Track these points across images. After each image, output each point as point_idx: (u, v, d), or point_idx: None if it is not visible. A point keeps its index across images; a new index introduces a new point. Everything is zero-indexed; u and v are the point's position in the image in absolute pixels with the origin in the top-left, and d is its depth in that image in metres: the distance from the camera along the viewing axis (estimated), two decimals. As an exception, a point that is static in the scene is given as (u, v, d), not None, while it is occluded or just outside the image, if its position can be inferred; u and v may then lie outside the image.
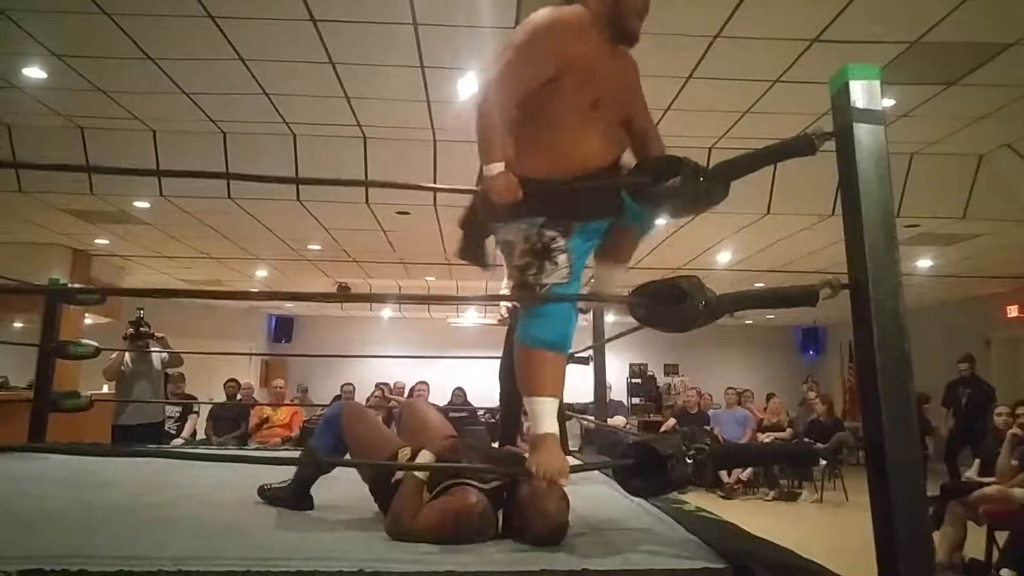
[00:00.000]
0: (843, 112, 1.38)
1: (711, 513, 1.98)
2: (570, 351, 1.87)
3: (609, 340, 3.57)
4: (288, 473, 2.15)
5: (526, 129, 1.76)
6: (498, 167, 1.71)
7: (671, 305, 1.50)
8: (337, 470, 2.16)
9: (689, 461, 1.44)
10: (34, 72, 4.58)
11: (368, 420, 2.13)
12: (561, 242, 1.75)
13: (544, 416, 1.71)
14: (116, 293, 9.72)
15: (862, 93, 1.37)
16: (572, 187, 1.74)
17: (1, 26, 3.93)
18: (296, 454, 3.66)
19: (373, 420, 2.18)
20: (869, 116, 1.35)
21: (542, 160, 1.76)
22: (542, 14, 1.74)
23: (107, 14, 3.81)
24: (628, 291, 1.67)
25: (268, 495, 2.15)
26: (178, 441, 6.54)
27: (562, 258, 1.74)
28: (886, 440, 1.16)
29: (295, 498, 2.08)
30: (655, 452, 1.51)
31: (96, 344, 3.53)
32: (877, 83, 1.38)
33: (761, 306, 1.58)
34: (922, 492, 1.20)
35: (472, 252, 2.08)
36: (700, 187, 1.61)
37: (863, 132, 1.34)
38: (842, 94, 1.39)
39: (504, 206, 1.73)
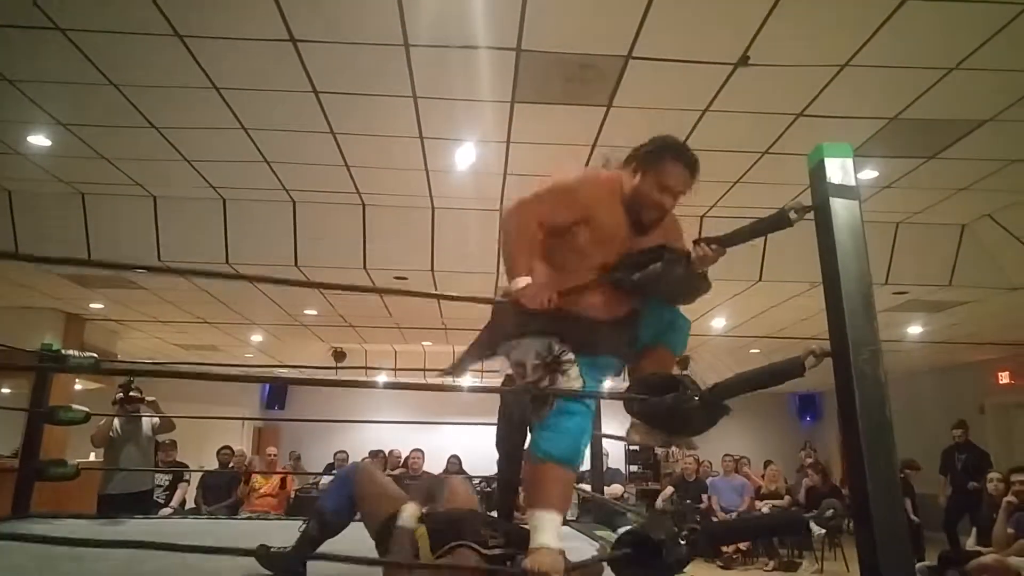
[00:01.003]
0: (820, 187, 1.45)
1: (707, 583, 1.95)
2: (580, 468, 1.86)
3: (607, 436, 3.56)
4: (284, 536, 2.12)
5: (543, 265, 1.90)
6: (525, 280, 1.80)
7: (662, 394, 1.53)
8: (340, 540, 2.12)
9: (682, 543, 1.44)
10: (38, 140, 4.69)
11: (380, 480, 2.13)
12: (571, 355, 1.80)
13: (544, 530, 1.68)
14: (112, 373, 9.64)
15: (837, 169, 1.44)
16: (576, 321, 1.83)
17: (9, 95, 4.05)
18: (287, 523, 3.60)
19: (385, 480, 2.17)
20: (845, 191, 1.42)
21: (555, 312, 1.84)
22: (584, 169, 1.96)
23: (114, 84, 3.95)
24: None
25: (264, 558, 2.09)
26: (166, 511, 6.36)
27: (573, 371, 1.79)
28: (871, 503, 1.18)
29: (291, 565, 2.03)
30: (649, 539, 1.51)
31: (87, 409, 3.49)
32: (850, 160, 1.45)
33: (753, 387, 1.60)
34: (908, 554, 1.20)
35: (461, 369, 2.19)
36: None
37: (839, 206, 1.40)
38: (819, 170, 1.46)
39: (522, 319, 1.82)
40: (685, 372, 1.61)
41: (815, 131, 4.27)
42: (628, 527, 1.79)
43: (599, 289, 1.87)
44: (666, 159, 1.89)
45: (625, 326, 1.95)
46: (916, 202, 5.51)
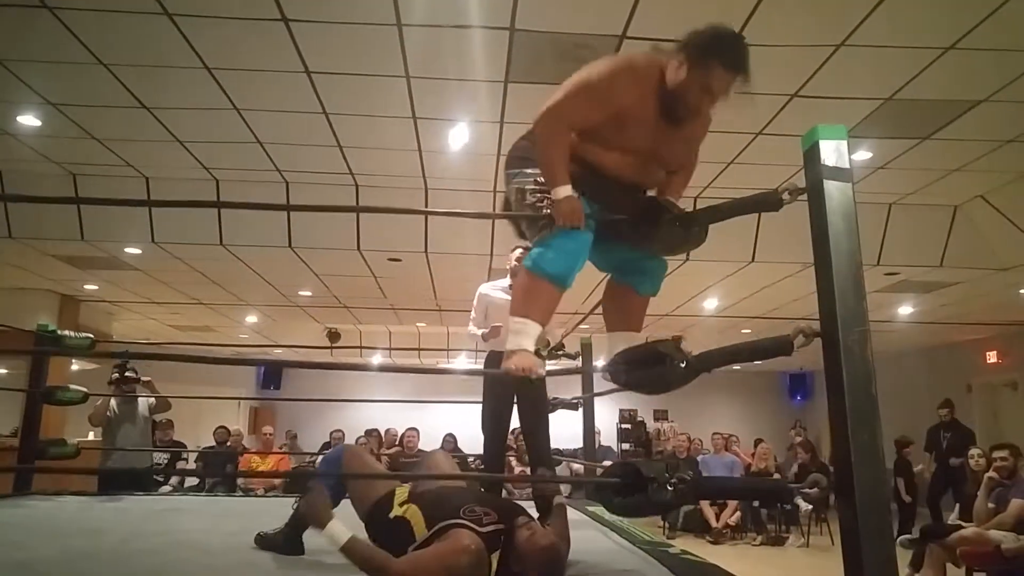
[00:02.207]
0: (814, 169, 1.46)
1: (695, 556, 2.00)
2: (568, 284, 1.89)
3: (599, 395, 3.61)
4: (279, 514, 2.15)
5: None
6: (564, 190, 1.78)
7: (650, 368, 1.57)
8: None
9: (670, 488, 1.48)
10: (28, 120, 4.65)
11: (368, 462, 2.16)
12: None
13: (526, 335, 1.79)
14: (106, 354, 9.64)
15: (831, 152, 1.46)
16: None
17: (-1, 75, 4.02)
18: (283, 500, 3.65)
19: (373, 462, 2.20)
20: (838, 173, 1.44)
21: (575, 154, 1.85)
22: (617, 58, 1.86)
23: (104, 64, 3.91)
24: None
25: (262, 541, 2.15)
26: (166, 488, 6.43)
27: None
28: (855, 477, 1.22)
29: (288, 542, 2.08)
30: (639, 473, 1.55)
31: (85, 390, 3.52)
32: (845, 142, 1.47)
33: (739, 360, 1.64)
34: (888, 527, 1.24)
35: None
36: (677, 232, 1.69)
37: (833, 188, 1.42)
38: (813, 152, 1.48)
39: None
40: (670, 341, 1.62)
41: (809, 112, 4.27)
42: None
43: (628, 161, 1.86)
44: (716, 63, 1.76)
45: (634, 191, 1.95)
46: (909, 183, 5.54)
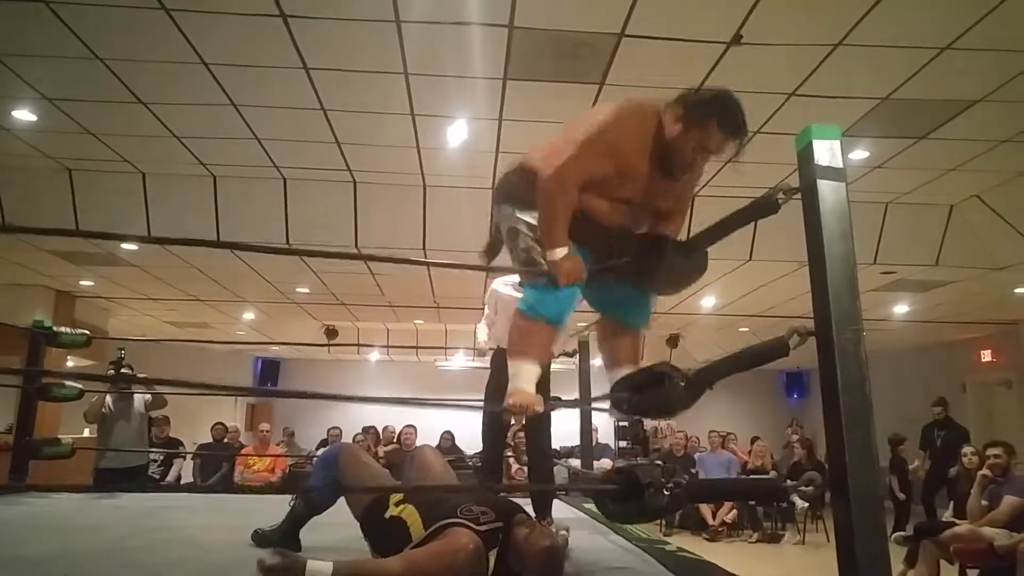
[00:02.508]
0: (808, 169, 1.47)
1: (691, 553, 2.01)
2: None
3: (596, 400, 3.61)
4: (277, 511, 2.16)
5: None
6: (562, 251, 1.81)
7: (650, 391, 1.58)
8: (329, 515, 2.17)
9: (666, 493, 1.48)
10: (24, 115, 4.63)
11: (364, 461, 2.16)
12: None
13: (525, 377, 1.82)
14: (103, 338, 9.63)
15: (825, 151, 1.46)
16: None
17: (-5, 70, 4.00)
18: (280, 498, 3.64)
19: (369, 461, 2.20)
20: (832, 173, 1.44)
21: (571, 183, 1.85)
22: (620, 103, 1.86)
23: (100, 59, 3.89)
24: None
25: (259, 538, 2.16)
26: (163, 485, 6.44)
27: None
28: (849, 475, 1.23)
29: (284, 539, 2.08)
30: (635, 479, 1.56)
31: (80, 386, 3.51)
32: (838, 142, 1.47)
33: (739, 369, 1.63)
34: (881, 524, 1.26)
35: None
36: (679, 262, 1.69)
37: (826, 188, 1.43)
38: (807, 152, 1.48)
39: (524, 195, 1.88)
40: (666, 362, 1.64)
41: (807, 111, 4.28)
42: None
43: (615, 209, 1.88)
44: (713, 124, 1.78)
45: (624, 235, 1.97)
46: (906, 182, 5.55)
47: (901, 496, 8.08)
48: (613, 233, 1.91)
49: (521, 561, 1.68)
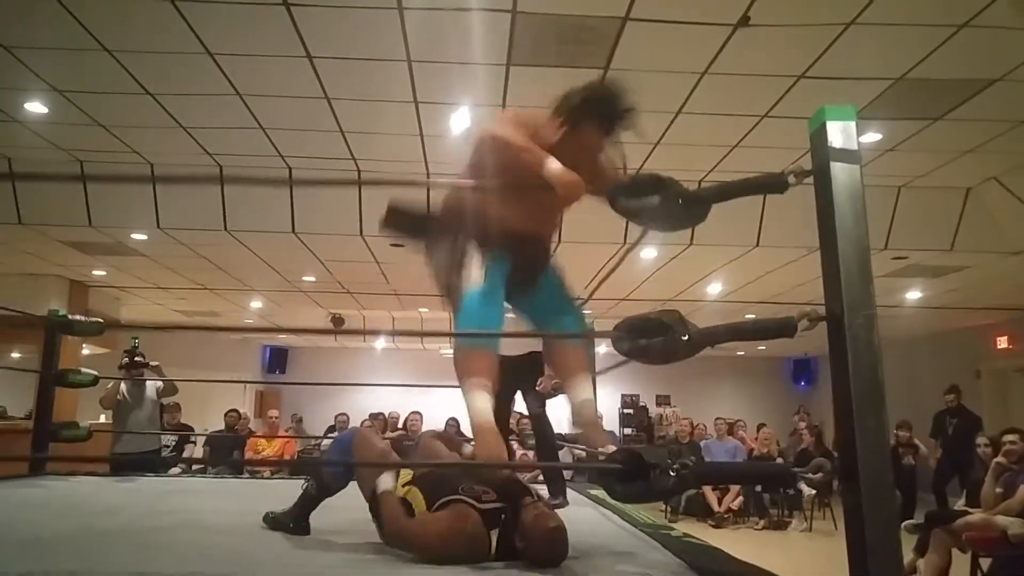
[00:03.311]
0: (821, 151, 1.44)
1: (697, 539, 2.00)
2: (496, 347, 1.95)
3: (601, 372, 3.61)
4: (287, 495, 2.18)
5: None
6: (553, 162, 1.77)
7: (653, 338, 1.56)
8: (339, 498, 2.18)
9: (672, 474, 1.48)
10: (35, 107, 4.65)
11: (375, 446, 2.18)
12: (474, 248, 1.90)
13: (479, 401, 1.79)
14: (117, 327, 9.72)
15: (839, 133, 1.43)
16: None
17: (4, 61, 4.01)
18: (291, 483, 3.68)
19: (380, 446, 2.22)
20: (845, 155, 1.41)
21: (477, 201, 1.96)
22: (507, 112, 1.95)
23: (108, 51, 3.90)
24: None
25: (271, 521, 2.19)
26: (175, 470, 6.54)
27: (475, 260, 1.89)
28: (860, 465, 1.21)
29: (295, 521, 2.11)
30: (641, 460, 1.55)
31: (96, 373, 3.56)
32: (853, 123, 1.44)
33: (741, 338, 1.62)
34: (893, 516, 1.24)
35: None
36: (678, 209, 1.67)
37: (840, 171, 1.40)
38: (820, 134, 1.45)
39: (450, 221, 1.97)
40: (676, 311, 1.60)
41: (817, 93, 4.22)
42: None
43: (519, 204, 1.91)
44: (588, 125, 1.82)
45: (536, 244, 2.03)
46: (920, 165, 5.47)
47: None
48: (531, 241, 1.96)
49: (524, 540, 1.69)
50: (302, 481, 2.20)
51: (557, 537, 1.69)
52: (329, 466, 2.22)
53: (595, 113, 1.82)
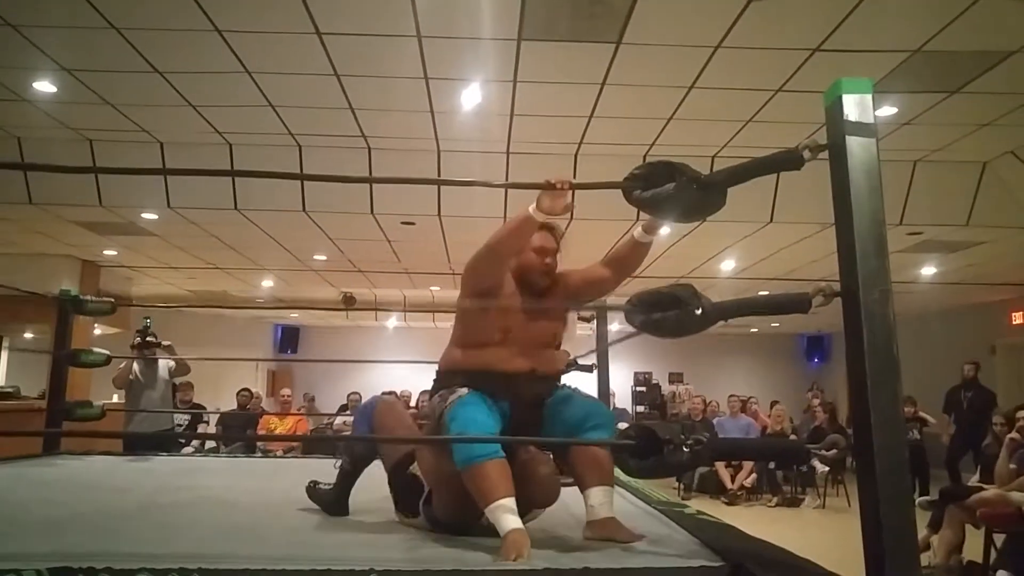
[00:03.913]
0: (836, 125, 1.41)
1: (710, 516, 2.01)
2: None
3: (613, 343, 3.61)
4: (300, 474, 2.20)
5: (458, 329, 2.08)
6: (532, 205, 1.83)
7: (666, 311, 1.55)
8: (361, 477, 2.20)
9: (685, 450, 1.48)
10: (44, 86, 4.65)
11: (398, 414, 2.20)
12: (463, 390, 1.91)
13: (505, 519, 1.66)
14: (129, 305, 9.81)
15: (855, 106, 1.40)
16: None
17: (12, 41, 4.00)
18: (300, 461, 3.73)
19: (403, 415, 2.24)
20: (862, 129, 1.38)
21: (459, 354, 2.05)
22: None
23: (116, 28, 3.88)
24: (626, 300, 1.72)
25: (313, 492, 2.21)
26: (188, 449, 6.62)
27: (460, 391, 1.90)
28: (874, 441, 1.20)
29: (335, 501, 2.14)
30: (654, 435, 1.56)
31: (108, 352, 3.59)
32: (869, 96, 1.41)
33: (754, 313, 1.61)
34: (908, 493, 1.23)
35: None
36: (694, 195, 1.64)
37: (855, 145, 1.37)
38: (835, 107, 1.42)
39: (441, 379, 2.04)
40: (690, 285, 1.58)
41: (832, 67, 4.14)
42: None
43: (503, 345, 1.96)
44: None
45: (529, 380, 1.97)
46: (936, 139, 5.38)
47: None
48: (513, 378, 1.94)
49: (518, 486, 1.73)
50: (335, 460, 2.21)
51: (547, 481, 1.82)
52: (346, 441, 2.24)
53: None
